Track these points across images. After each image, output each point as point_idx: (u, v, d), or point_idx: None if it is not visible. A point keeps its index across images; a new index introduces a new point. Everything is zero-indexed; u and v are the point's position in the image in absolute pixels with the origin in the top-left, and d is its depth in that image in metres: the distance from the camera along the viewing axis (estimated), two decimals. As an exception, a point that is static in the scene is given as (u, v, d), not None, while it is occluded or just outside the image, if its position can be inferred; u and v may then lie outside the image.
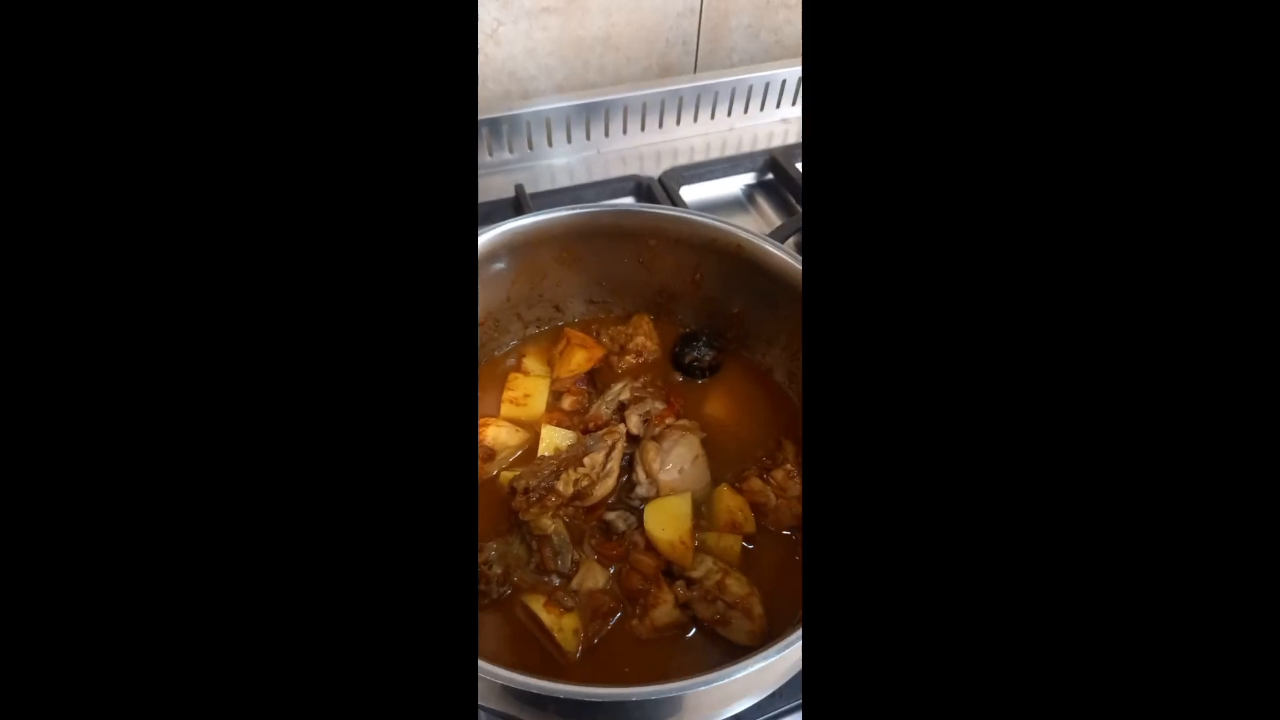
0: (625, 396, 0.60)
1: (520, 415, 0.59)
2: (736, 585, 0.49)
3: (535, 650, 0.48)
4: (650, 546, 0.52)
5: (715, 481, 0.56)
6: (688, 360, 0.63)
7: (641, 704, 0.34)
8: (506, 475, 0.54)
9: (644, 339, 0.63)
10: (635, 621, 0.49)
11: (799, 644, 0.37)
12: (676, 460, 0.56)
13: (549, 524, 0.51)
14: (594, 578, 0.51)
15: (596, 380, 0.62)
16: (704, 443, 0.57)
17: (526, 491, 0.52)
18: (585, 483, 0.52)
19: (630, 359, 0.63)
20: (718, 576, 0.50)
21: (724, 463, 0.57)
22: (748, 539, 0.53)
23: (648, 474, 0.55)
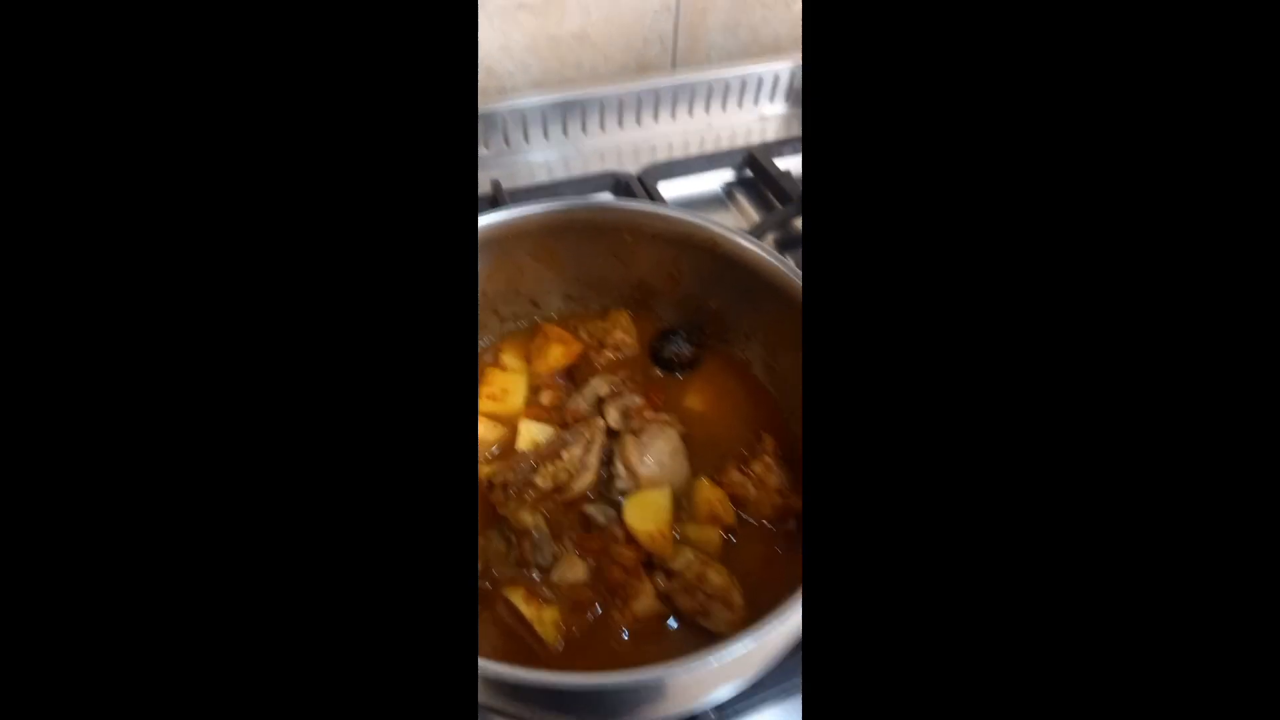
0: (604, 391, 0.60)
1: (498, 410, 0.59)
2: (716, 576, 0.49)
3: (517, 645, 0.48)
4: (630, 539, 0.52)
5: (695, 474, 0.56)
6: (666, 355, 0.63)
7: (620, 691, 0.34)
8: (485, 470, 0.54)
9: (622, 334, 0.63)
10: (616, 613, 0.49)
11: (779, 629, 0.37)
12: (656, 454, 0.56)
13: (528, 518, 0.51)
14: (574, 570, 0.51)
15: (575, 376, 0.62)
16: (683, 437, 0.58)
17: (505, 486, 0.52)
18: (564, 476, 0.52)
19: (609, 354, 0.63)
20: (698, 568, 0.50)
21: (703, 456, 0.57)
22: (728, 530, 0.54)
23: (627, 467, 0.55)
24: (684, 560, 0.51)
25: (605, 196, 0.87)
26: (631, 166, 0.90)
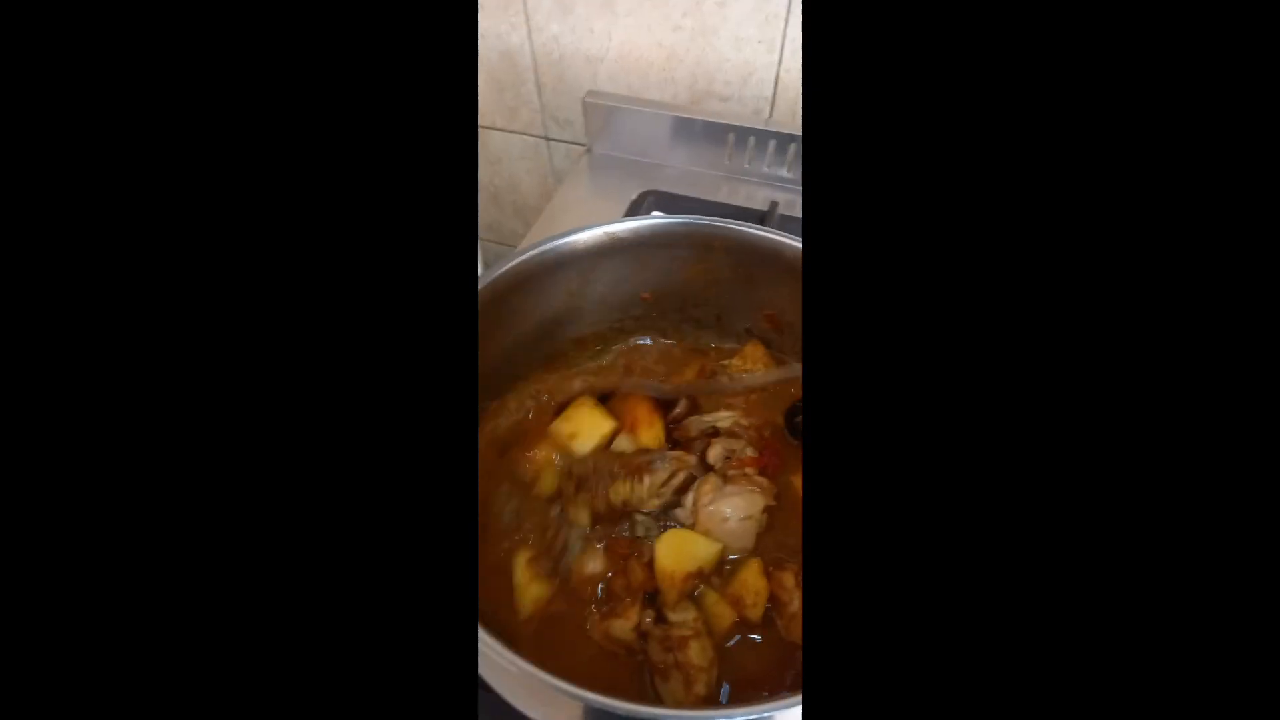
0: (723, 425, 0.58)
1: (576, 433, 0.57)
2: (698, 655, 0.46)
3: (489, 594, 0.50)
4: (650, 564, 0.51)
5: (755, 552, 0.52)
6: (800, 421, 0.57)
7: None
8: (576, 455, 0.56)
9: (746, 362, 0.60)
10: (597, 617, 0.49)
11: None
12: (731, 508, 0.53)
13: (584, 518, 0.53)
14: (593, 562, 0.52)
15: (701, 406, 0.61)
16: (767, 509, 0.53)
17: (580, 480, 0.53)
18: (636, 501, 0.53)
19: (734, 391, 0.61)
20: (688, 634, 0.47)
21: (775, 541, 0.52)
22: (746, 624, 0.49)
23: (695, 503, 0.53)
24: (682, 617, 0.48)
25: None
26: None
